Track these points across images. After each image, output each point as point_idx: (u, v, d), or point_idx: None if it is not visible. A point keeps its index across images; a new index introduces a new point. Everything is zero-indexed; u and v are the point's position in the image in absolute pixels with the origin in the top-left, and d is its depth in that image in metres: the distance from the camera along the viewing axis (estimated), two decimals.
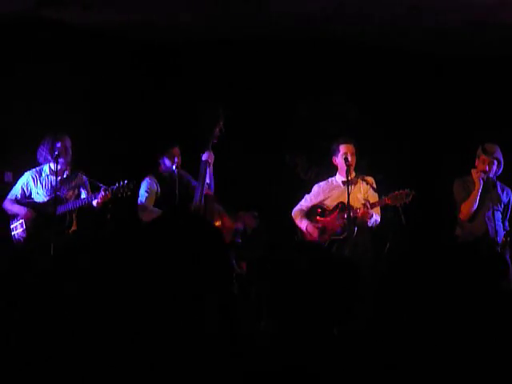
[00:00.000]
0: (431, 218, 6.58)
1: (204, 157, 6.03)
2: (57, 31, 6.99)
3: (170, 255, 1.48)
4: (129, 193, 5.74)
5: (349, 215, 5.91)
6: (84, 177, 6.12)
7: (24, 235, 5.98)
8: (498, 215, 6.20)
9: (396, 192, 5.92)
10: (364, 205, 6.00)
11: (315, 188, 6.48)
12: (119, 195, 5.72)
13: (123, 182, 5.74)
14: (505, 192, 6.31)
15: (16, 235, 6.01)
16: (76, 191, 6.12)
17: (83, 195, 6.10)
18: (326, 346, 1.74)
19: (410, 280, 1.73)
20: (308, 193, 6.47)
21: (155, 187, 6.15)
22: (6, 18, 6.67)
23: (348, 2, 6.58)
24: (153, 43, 7.54)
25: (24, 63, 6.85)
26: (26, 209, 6.01)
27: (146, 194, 6.12)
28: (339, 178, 6.35)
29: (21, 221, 6.01)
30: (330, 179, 6.47)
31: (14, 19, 6.73)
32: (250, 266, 5.97)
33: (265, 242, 6.50)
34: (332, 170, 6.44)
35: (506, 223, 6.26)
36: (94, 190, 6.00)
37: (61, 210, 5.86)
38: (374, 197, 6.17)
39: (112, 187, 5.75)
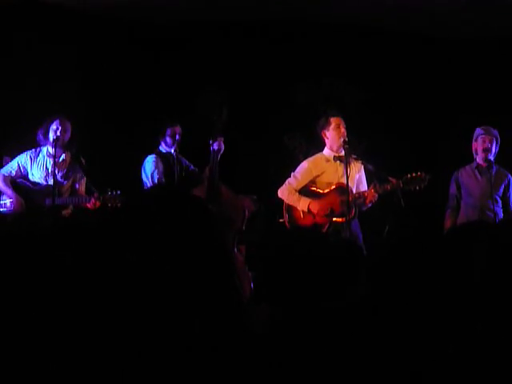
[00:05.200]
0: (431, 200, 6.55)
1: (215, 146, 5.85)
2: (56, 14, 6.95)
3: (166, 242, 1.47)
4: (118, 204, 5.59)
5: (347, 196, 5.60)
6: (80, 173, 6.01)
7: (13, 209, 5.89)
8: (498, 199, 6.14)
9: (409, 175, 5.59)
10: (374, 187, 5.71)
11: (305, 164, 6.06)
12: (109, 204, 5.61)
13: (116, 192, 5.65)
14: (504, 174, 6.24)
15: (5, 210, 5.92)
16: (71, 178, 6.04)
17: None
18: (324, 329, 1.73)
19: (410, 263, 1.72)
20: (294, 171, 6.09)
21: (161, 165, 6.01)
22: (5, 2, 6.63)
23: None
24: (151, 24, 7.49)
25: (23, 47, 6.82)
26: (16, 197, 5.88)
27: (156, 171, 5.97)
28: (329, 152, 5.98)
29: (10, 200, 5.91)
30: (318, 155, 6.08)
31: (13, 3, 6.70)
32: (249, 250, 5.97)
33: (264, 225, 6.49)
34: None
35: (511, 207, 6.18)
36: (89, 193, 5.90)
37: (56, 202, 5.74)
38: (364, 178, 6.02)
39: (104, 195, 5.66)
